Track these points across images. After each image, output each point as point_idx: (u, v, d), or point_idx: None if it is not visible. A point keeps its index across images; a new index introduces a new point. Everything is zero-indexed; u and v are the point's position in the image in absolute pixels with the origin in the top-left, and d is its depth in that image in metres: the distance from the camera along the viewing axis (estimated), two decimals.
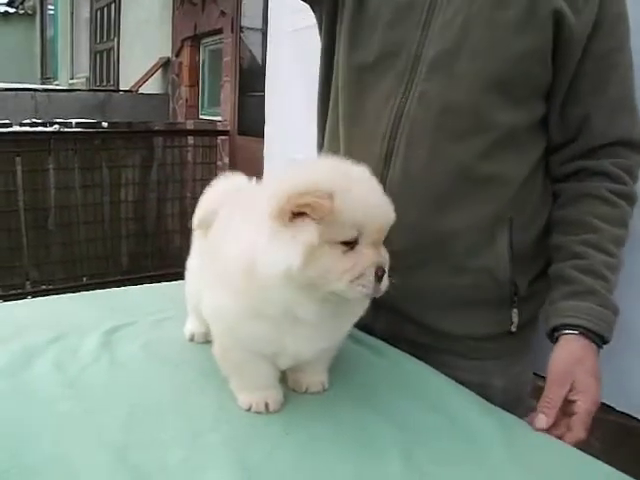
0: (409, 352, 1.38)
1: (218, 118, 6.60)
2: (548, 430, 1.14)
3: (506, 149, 1.30)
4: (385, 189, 1.28)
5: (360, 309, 1.12)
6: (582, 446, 1.12)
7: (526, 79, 1.28)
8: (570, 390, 1.18)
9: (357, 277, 0.96)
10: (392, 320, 1.43)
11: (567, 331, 1.22)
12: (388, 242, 1.31)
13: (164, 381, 1.20)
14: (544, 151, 1.37)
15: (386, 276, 1.00)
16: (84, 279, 5.19)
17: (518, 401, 1.34)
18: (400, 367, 1.31)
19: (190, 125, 6.45)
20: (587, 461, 1.05)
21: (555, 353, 1.22)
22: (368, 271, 0.97)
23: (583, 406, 1.16)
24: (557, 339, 1.24)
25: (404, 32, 1.32)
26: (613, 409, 1.67)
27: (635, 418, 1.68)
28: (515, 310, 1.36)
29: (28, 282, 5.05)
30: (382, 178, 1.32)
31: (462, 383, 1.27)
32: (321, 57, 1.54)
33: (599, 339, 1.21)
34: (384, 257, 1.02)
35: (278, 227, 0.96)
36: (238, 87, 6.22)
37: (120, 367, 1.26)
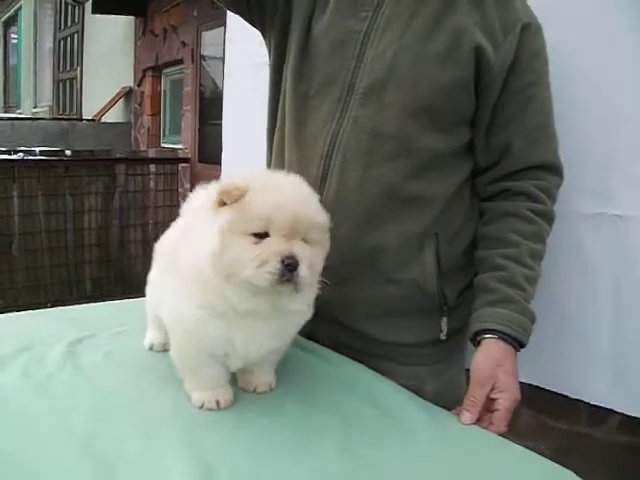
0: (349, 357, 1.50)
1: (179, 146, 6.71)
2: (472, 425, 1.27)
3: (431, 171, 1.43)
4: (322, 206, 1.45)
5: (301, 315, 1.24)
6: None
7: (450, 109, 1.41)
8: (492, 389, 1.31)
9: (261, 264, 1.08)
10: (332, 328, 1.55)
11: (487, 335, 1.35)
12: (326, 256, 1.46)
13: (124, 384, 1.31)
14: (470, 172, 1.50)
15: (302, 267, 1.09)
16: (48, 305, 5.21)
17: (453, 404, 1.41)
18: (340, 368, 1.43)
19: (152, 153, 6.56)
20: (503, 443, 1.21)
21: (477, 356, 1.35)
22: (273, 259, 1.08)
23: (504, 403, 1.30)
24: (479, 343, 1.36)
25: (340, 63, 1.45)
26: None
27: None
28: (444, 319, 1.48)
29: None
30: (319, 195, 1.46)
31: None
32: (270, 89, 1.65)
33: (517, 343, 1.34)
34: (296, 250, 1.09)
35: (209, 220, 1.13)
36: (198, 116, 6.35)
37: (83, 373, 1.36)
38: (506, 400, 1.30)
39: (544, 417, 2.30)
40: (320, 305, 1.49)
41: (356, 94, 1.43)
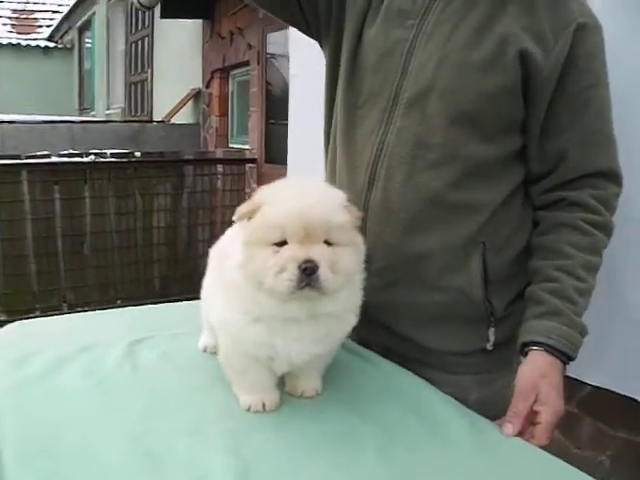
0: (399, 364, 1.52)
1: (247, 146, 6.82)
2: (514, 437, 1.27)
3: (477, 179, 1.43)
4: (368, 213, 1.48)
5: (346, 320, 1.27)
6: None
7: (496, 116, 1.41)
8: (535, 401, 1.30)
9: (280, 272, 1.11)
10: (380, 333, 1.57)
11: (534, 347, 1.35)
12: (370, 260, 1.49)
13: (177, 384, 1.38)
14: (522, 180, 1.49)
15: (323, 270, 1.10)
16: (118, 301, 5.41)
17: (497, 416, 1.38)
18: (388, 375, 1.45)
19: (219, 154, 6.68)
20: (544, 457, 1.20)
21: (522, 368, 1.35)
22: (290, 265, 1.10)
23: (546, 416, 1.29)
24: (526, 354, 1.36)
25: (385, 75, 1.48)
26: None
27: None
28: (492, 329, 1.48)
29: (65, 304, 5.29)
30: (365, 203, 1.49)
31: None
32: (325, 94, 1.69)
33: (564, 356, 1.33)
34: (314, 253, 1.11)
35: (240, 232, 1.20)
36: (265, 116, 6.43)
37: (140, 372, 1.44)
38: (548, 413, 1.29)
39: (603, 425, 2.26)
40: (369, 309, 1.52)
41: (400, 105, 1.45)
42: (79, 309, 5.15)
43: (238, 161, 6.44)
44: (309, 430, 1.20)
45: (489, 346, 1.49)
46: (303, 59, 3.06)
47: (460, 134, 1.41)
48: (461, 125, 1.41)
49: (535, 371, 1.33)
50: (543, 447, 1.25)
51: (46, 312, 4.92)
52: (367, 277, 1.48)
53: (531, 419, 1.30)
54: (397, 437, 1.20)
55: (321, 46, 1.70)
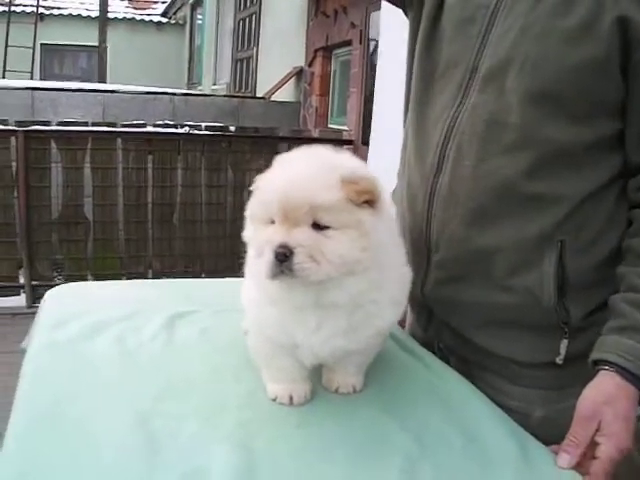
0: (459, 367, 1.38)
1: (345, 127, 6.71)
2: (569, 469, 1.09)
3: (558, 167, 1.24)
4: (434, 198, 1.33)
5: (377, 316, 1.11)
6: None
7: (584, 94, 1.21)
8: (597, 430, 1.11)
9: (259, 254, 0.99)
10: (442, 332, 1.43)
11: (605, 367, 1.15)
12: (435, 250, 1.34)
13: (207, 363, 1.29)
14: (617, 172, 1.27)
15: (298, 257, 0.97)
16: (203, 275, 5.43)
17: (560, 437, 1.19)
18: (440, 380, 1.31)
19: (315, 133, 6.59)
20: None
21: (586, 389, 1.16)
22: (266, 249, 0.98)
23: (606, 450, 1.10)
24: (596, 373, 1.17)
25: (463, 45, 1.31)
26: None
27: None
28: (565, 340, 1.28)
29: (150, 271, 5.35)
30: (432, 187, 1.33)
31: (502, 407, 1.24)
32: (406, 67, 1.54)
33: (638, 381, 1.13)
34: (294, 236, 0.98)
35: None
36: (364, 98, 6.29)
37: (173, 347, 1.37)
38: (609, 447, 1.09)
39: None
40: (432, 304, 1.38)
41: (477, 78, 1.28)
42: (164, 278, 5.20)
43: (334, 141, 6.31)
44: (331, 431, 1.08)
45: (559, 360, 1.29)
46: (391, 37, 2.96)
47: (540, 114, 1.22)
48: (542, 103, 1.22)
49: (600, 395, 1.13)
50: None
51: (131, 278, 5.00)
52: (430, 269, 1.36)
53: (591, 451, 1.10)
54: (429, 451, 1.05)
55: (406, 15, 1.55)
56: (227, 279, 1.99)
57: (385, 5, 3.16)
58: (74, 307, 1.56)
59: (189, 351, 1.35)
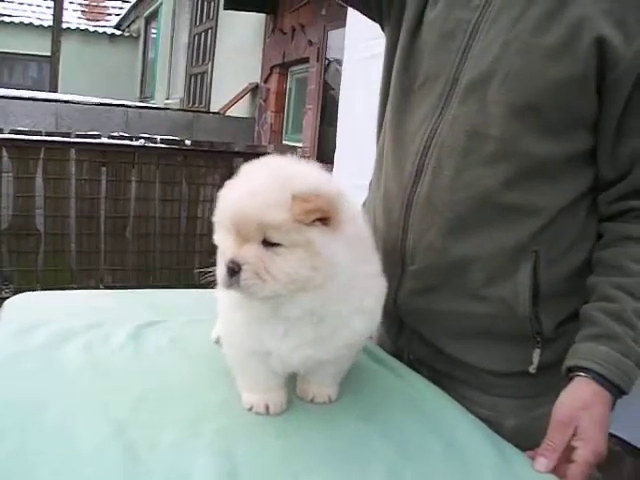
0: (430, 378, 1.38)
1: (300, 144, 6.73)
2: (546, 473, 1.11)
3: (537, 179, 1.27)
4: (412, 207, 1.34)
5: (346, 327, 1.10)
6: None
7: (563, 108, 1.24)
8: (573, 435, 1.14)
9: (217, 264, 1.02)
10: (413, 342, 1.43)
11: (580, 373, 1.18)
12: (410, 261, 1.35)
13: (180, 372, 1.27)
14: (589, 186, 1.31)
15: (244, 273, 0.99)
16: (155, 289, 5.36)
17: (532, 446, 1.21)
18: (413, 388, 1.31)
19: (271, 149, 6.59)
20: None
21: (562, 395, 1.18)
22: (220, 261, 1.01)
23: (583, 454, 1.12)
24: (570, 380, 1.20)
25: (444, 58, 1.33)
26: None
27: None
28: (537, 350, 1.31)
29: (102, 285, 5.26)
30: (410, 196, 1.34)
31: None
32: (381, 81, 1.55)
33: (614, 388, 1.16)
34: (243, 252, 0.99)
35: None
36: (320, 115, 6.33)
37: (143, 356, 1.34)
38: (585, 451, 1.12)
39: None
40: (403, 314, 1.39)
41: (459, 90, 1.30)
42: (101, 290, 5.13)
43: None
44: (312, 440, 1.07)
45: (532, 369, 1.32)
46: (354, 51, 3.00)
47: (521, 126, 1.25)
48: (523, 116, 1.24)
49: (577, 401, 1.16)
50: None
51: None
52: (405, 279, 1.37)
53: (567, 455, 1.13)
54: (413, 458, 1.05)
55: (382, 28, 1.57)
56: (191, 290, 1.98)
57: (350, 22, 3.21)
58: (37, 315, 1.52)
59: (160, 360, 1.32)
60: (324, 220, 1.01)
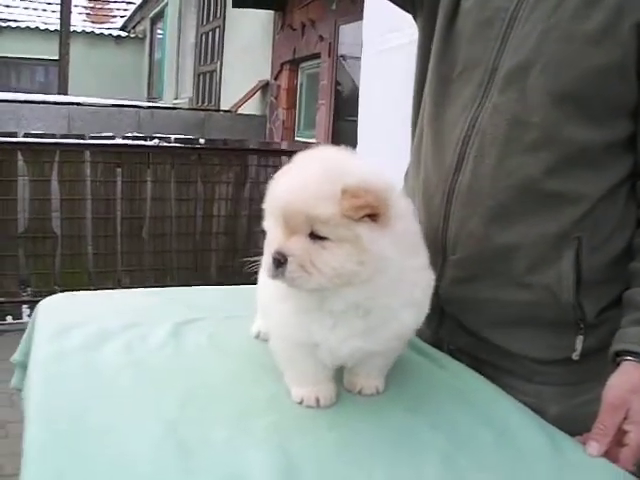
0: (471, 367, 1.36)
1: (313, 140, 6.72)
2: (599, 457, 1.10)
3: (578, 166, 1.26)
4: (454, 196, 1.34)
5: (394, 319, 1.09)
6: None
7: (603, 95, 1.23)
8: (625, 418, 1.13)
9: (265, 255, 1.03)
10: (454, 331, 1.42)
11: (628, 357, 1.17)
12: (452, 250, 1.34)
13: (223, 369, 1.26)
14: (629, 172, 1.30)
15: (290, 266, 0.99)
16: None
17: (576, 433, 1.21)
18: (458, 379, 1.30)
19: (284, 145, 6.58)
20: None
21: (612, 379, 1.17)
22: (267, 252, 1.02)
23: (635, 438, 1.11)
24: (618, 365, 1.19)
25: (482, 46, 1.32)
26: None
27: None
28: (580, 337, 1.30)
29: (120, 286, 5.25)
30: (451, 185, 1.34)
31: None
32: (416, 72, 1.55)
33: None
34: (289, 244, 1.00)
35: None
36: (333, 110, 6.32)
37: (184, 354, 1.33)
38: (638, 434, 1.11)
39: None
40: (445, 304, 1.37)
41: (498, 78, 1.30)
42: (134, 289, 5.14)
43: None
44: (366, 431, 1.06)
45: (575, 356, 1.31)
46: (372, 44, 2.97)
47: (562, 114, 1.24)
48: (564, 104, 1.24)
49: (627, 384, 1.15)
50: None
51: None
52: (447, 268, 1.36)
53: (618, 439, 1.12)
54: (465, 447, 1.04)
55: (415, 18, 1.56)
56: (226, 286, 1.96)
57: (367, 16, 3.19)
58: (73, 317, 1.51)
59: (201, 358, 1.32)
60: (373, 216, 1.00)
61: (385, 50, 2.78)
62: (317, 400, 1.13)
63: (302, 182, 1.00)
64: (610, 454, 1.10)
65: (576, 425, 1.19)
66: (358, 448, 1.01)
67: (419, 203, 1.42)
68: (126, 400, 1.11)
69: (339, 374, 1.21)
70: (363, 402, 1.17)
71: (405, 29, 2.38)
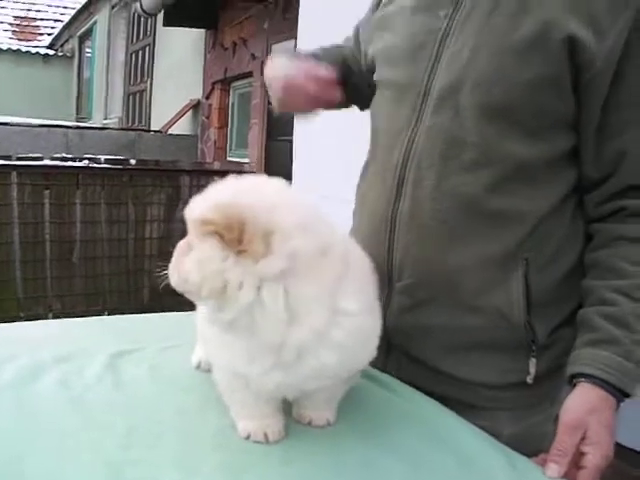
0: None
1: (246, 160, 6.67)
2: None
3: (519, 183, 1.25)
4: (396, 224, 1.32)
5: (316, 357, 1.01)
6: None
7: (537, 110, 1.22)
8: (582, 439, 1.12)
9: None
10: (402, 363, 1.38)
11: (583, 380, 1.16)
12: (398, 276, 1.31)
13: (166, 403, 1.19)
14: (573, 187, 1.29)
15: (170, 270, 1.02)
16: (105, 312, 5.18)
17: (531, 453, 1.19)
18: (410, 403, 1.27)
19: (217, 166, 6.51)
20: None
21: (569, 400, 1.16)
22: None
23: (593, 460, 1.10)
24: (574, 386, 1.18)
25: (416, 68, 1.32)
26: None
27: None
28: (533, 360, 1.28)
29: (51, 313, 5.06)
30: (393, 213, 1.32)
31: None
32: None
33: (618, 392, 1.14)
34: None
35: None
36: (266, 130, 6.29)
37: (123, 388, 1.24)
38: (595, 456, 1.10)
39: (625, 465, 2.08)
40: (392, 335, 1.33)
41: (431, 100, 1.29)
42: (65, 319, 4.96)
43: (236, 173, 6.25)
44: (322, 465, 1.01)
45: (529, 379, 1.29)
46: None
47: (497, 131, 1.23)
48: (498, 120, 1.23)
49: (584, 405, 1.14)
50: None
51: (31, 320, 4.73)
52: (393, 297, 1.32)
53: (576, 460, 1.10)
54: (426, 473, 1.01)
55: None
56: (160, 314, 1.89)
57: (301, 35, 3.18)
58: (3, 349, 1.40)
59: (142, 392, 1.23)
60: (220, 236, 0.95)
61: None
62: (265, 435, 1.07)
63: (203, 195, 1.02)
64: (568, 475, 1.09)
65: (528, 445, 1.18)
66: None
67: (364, 229, 1.40)
68: (65, 443, 1.02)
69: (287, 405, 1.16)
70: (315, 434, 1.12)
71: None
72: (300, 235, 0.96)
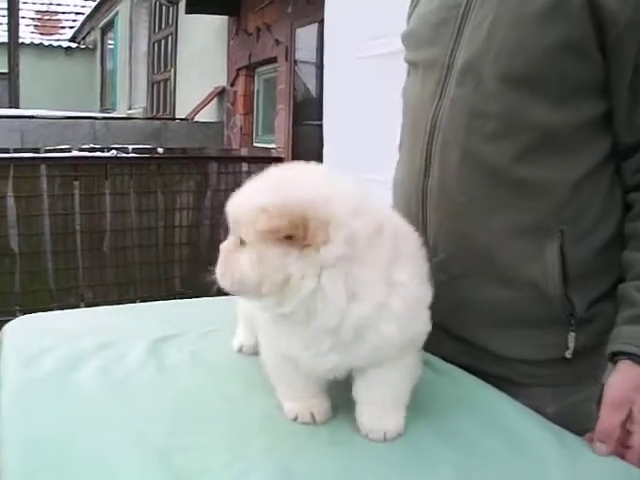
0: None
1: (272, 145, 6.65)
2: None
3: (545, 152, 1.22)
4: (426, 198, 1.31)
5: (377, 331, 1.00)
6: None
7: (560, 76, 1.19)
8: (628, 418, 1.08)
9: None
10: (439, 338, 1.32)
11: (624, 358, 1.12)
12: (434, 252, 1.29)
13: (210, 388, 1.19)
14: (607, 156, 1.24)
15: (218, 264, 1.01)
16: (137, 301, 5.21)
17: (577, 432, 1.16)
18: (456, 384, 1.25)
19: (244, 152, 6.50)
20: None
21: (612, 377, 1.13)
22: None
23: (639, 440, 1.07)
24: (616, 364, 1.14)
25: (440, 45, 1.31)
26: None
27: None
28: (572, 334, 1.25)
29: (83, 303, 5.09)
30: (423, 189, 1.32)
31: None
32: None
33: None
34: (222, 245, 1.02)
35: None
36: (292, 115, 6.26)
37: (166, 374, 1.25)
38: None
39: None
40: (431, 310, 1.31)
41: (454, 73, 1.28)
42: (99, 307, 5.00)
43: (264, 159, 6.23)
44: (368, 446, 1.00)
45: (568, 354, 1.26)
46: (340, 54, 2.96)
47: (520, 100, 1.21)
48: (520, 89, 1.20)
49: (629, 382, 1.10)
50: None
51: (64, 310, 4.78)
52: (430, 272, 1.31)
53: (623, 439, 1.07)
54: (476, 457, 0.99)
55: None
56: (200, 299, 1.88)
57: (328, 17, 3.15)
58: (42, 340, 1.40)
59: (185, 377, 1.24)
60: (288, 238, 0.93)
61: (353, 60, 2.75)
62: (312, 415, 1.06)
63: (245, 191, 1.00)
64: (616, 454, 1.06)
65: (573, 424, 1.15)
66: (365, 464, 0.95)
67: (401, 209, 1.38)
68: (110, 430, 1.02)
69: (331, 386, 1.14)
70: None
71: (381, 38, 2.38)
72: (354, 220, 0.96)
